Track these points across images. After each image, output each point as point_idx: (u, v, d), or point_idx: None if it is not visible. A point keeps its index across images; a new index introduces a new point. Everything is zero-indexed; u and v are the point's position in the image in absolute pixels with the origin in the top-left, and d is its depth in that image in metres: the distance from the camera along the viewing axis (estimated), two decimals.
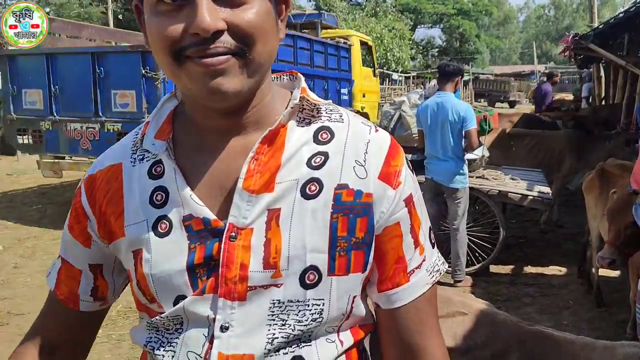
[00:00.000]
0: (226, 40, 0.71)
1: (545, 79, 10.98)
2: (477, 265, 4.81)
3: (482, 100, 31.02)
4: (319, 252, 0.78)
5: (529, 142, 6.27)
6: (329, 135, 0.83)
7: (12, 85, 6.79)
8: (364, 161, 0.82)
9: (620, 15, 6.37)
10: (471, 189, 4.57)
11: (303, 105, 0.84)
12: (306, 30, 9.92)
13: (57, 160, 6.80)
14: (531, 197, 4.71)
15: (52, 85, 6.49)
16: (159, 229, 0.80)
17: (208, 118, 0.81)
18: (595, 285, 4.16)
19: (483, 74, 36.20)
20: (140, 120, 5.52)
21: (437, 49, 48.13)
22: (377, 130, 0.86)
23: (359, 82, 10.69)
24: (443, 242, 4.57)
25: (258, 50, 0.74)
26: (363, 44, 11.63)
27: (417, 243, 0.86)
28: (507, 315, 2.12)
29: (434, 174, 4.45)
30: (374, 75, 12.44)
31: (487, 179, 4.97)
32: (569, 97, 18.46)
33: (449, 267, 3.44)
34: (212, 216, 0.78)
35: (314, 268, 0.78)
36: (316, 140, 0.83)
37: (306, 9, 12.34)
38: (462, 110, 4.28)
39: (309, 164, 0.80)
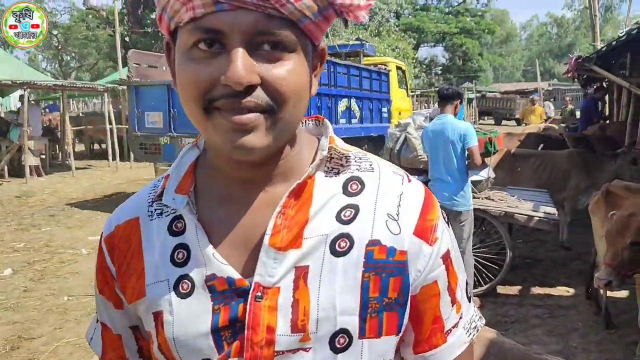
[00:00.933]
0: (258, 96, 0.68)
1: (592, 91, 10.66)
2: (485, 287, 4.82)
3: (487, 118, 31.12)
4: (349, 314, 0.74)
5: (534, 162, 6.29)
6: (359, 186, 0.79)
7: (137, 109, 8.46)
8: (397, 215, 0.77)
9: (622, 36, 6.43)
10: (477, 210, 4.60)
11: (331, 154, 0.80)
12: (350, 58, 11.30)
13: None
14: (537, 218, 4.72)
15: (171, 109, 8.12)
16: (181, 289, 0.76)
17: (234, 169, 0.77)
18: (604, 307, 4.17)
19: (490, 91, 36.35)
20: None
21: (440, 67, 48.41)
22: (410, 180, 0.82)
23: (395, 102, 12.18)
24: None
25: (289, 109, 0.70)
26: (398, 68, 13.19)
27: (454, 301, 0.82)
28: (514, 343, 2.13)
29: (438, 197, 4.46)
30: (407, 95, 14.06)
31: (493, 200, 5.00)
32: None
33: None
34: (236, 275, 0.74)
35: (344, 331, 0.74)
36: (346, 191, 0.78)
37: (349, 40, 13.48)
38: (462, 129, 4.32)
39: (338, 217, 0.76)
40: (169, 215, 0.81)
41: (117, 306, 0.86)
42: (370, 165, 0.82)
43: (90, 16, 35.35)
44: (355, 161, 0.82)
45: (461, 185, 4.36)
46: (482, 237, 4.98)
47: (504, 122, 29.39)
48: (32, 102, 17.35)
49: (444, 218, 0.82)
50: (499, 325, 4.24)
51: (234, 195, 0.79)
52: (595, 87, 10.50)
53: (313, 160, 0.79)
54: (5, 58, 15.65)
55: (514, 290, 4.99)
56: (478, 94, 31.99)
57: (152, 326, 0.79)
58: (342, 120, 9.27)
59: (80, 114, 22.43)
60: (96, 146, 18.51)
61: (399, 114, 12.36)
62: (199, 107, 0.69)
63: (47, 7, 42.28)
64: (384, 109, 11.37)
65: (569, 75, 7.06)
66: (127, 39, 23.38)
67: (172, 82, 0.77)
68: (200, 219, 0.78)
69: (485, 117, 30.62)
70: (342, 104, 9.17)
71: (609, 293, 4.16)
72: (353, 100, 9.58)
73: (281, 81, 0.68)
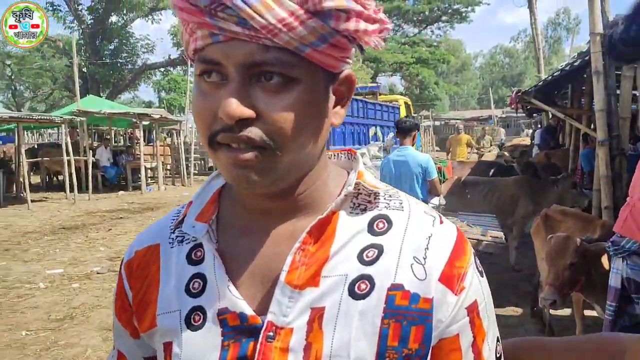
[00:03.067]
0: (252, 131, 0.64)
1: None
2: None
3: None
4: None
5: (483, 188, 6.60)
6: (386, 225, 0.74)
7: None
8: (424, 259, 0.72)
9: (556, 73, 6.90)
10: None
11: (359, 189, 0.76)
12: (368, 96, 14.79)
13: None
14: (486, 242, 5.00)
15: None
16: (192, 321, 0.74)
17: (251, 200, 0.75)
18: (548, 324, 4.43)
19: (454, 119, 37.45)
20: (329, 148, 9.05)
21: (399, 94, 49.45)
22: (442, 222, 0.76)
23: None
24: None
25: (289, 147, 0.66)
26: (405, 103, 16.91)
27: (479, 359, 0.75)
28: None
29: None
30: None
31: None
32: (526, 141, 19.27)
33: None
34: (249, 312, 0.71)
35: None
36: (371, 230, 0.74)
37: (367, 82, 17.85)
38: (423, 162, 4.64)
39: (360, 257, 0.72)
40: (189, 242, 0.79)
41: (134, 335, 0.84)
42: (401, 203, 0.77)
43: (45, 46, 34.89)
44: (385, 198, 0.77)
45: None
46: None
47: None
48: None
49: (478, 267, 0.76)
50: None
51: (255, 227, 0.76)
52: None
53: (339, 195, 0.74)
54: None
55: None
56: (442, 122, 32.82)
57: (162, 357, 0.77)
58: (373, 142, 12.18)
59: (36, 146, 22.05)
60: (53, 178, 18.18)
61: None
62: (205, 139, 0.68)
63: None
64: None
65: (512, 107, 7.55)
66: (84, 69, 23.18)
67: None
68: (220, 249, 0.76)
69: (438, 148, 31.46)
70: (372, 131, 12.34)
71: (552, 311, 4.42)
72: (378, 128, 12.79)
73: (279, 115, 0.65)
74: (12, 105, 42.80)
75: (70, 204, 13.38)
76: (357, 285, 0.70)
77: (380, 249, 0.72)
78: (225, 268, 0.74)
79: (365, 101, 12.45)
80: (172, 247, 0.80)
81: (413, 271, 0.71)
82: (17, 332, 4.97)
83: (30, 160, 16.42)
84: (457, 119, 37.48)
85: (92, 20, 29.88)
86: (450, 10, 47.10)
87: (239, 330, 0.71)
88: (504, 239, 5.20)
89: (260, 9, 0.60)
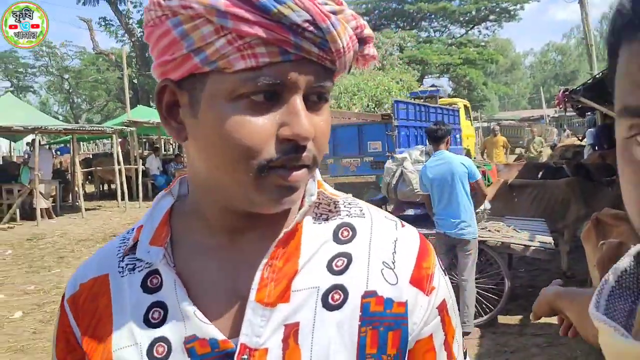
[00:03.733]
0: (310, 150, 0.64)
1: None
2: (485, 317, 4.86)
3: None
4: None
5: (531, 192, 6.39)
6: (350, 233, 0.73)
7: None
8: (393, 263, 0.71)
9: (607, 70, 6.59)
10: None
11: (320, 199, 0.74)
12: (428, 100, 16.18)
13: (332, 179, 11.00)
14: (533, 248, 4.81)
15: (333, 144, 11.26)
16: (155, 354, 0.68)
17: (225, 218, 0.71)
18: None
19: (507, 119, 36.71)
20: (383, 155, 9.95)
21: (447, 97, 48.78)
22: (403, 226, 0.77)
23: (464, 130, 16.55)
24: None
25: (320, 160, 0.68)
26: (464, 106, 18.33)
27: (450, 356, 0.75)
28: None
29: (447, 228, 4.52)
30: (472, 124, 19.86)
31: (489, 230, 5.09)
32: (576, 142, 18.57)
33: None
34: (220, 336, 0.66)
35: None
36: (336, 239, 0.73)
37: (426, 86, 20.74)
38: (465, 163, 4.51)
39: (329, 267, 0.70)
40: (142, 270, 0.73)
41: None
42: (361, 210, 0.77)
43: (100, 59, 36.24)
44: (345, 206, 0.76)
45: (467, 215, 4.48)
46: (481, 267, 5.05)
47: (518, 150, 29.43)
48: (45, 145, 17.76)
49: (441, 266, 0.77)
50: (498, 355, 4.28)
51: (218, 246, 0.72)
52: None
53: (301, 207, 0.72)
54: (17, 105, 16.11)
55: (514, 319, 5.03)
56: (494, 122, 32.16)
57: None
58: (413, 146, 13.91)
59: (91, 155, 22.87)
60: (106, 187, 18.80)
61: (467, 138, 17.54)
62: (251, 166, 0.62)
63: (58, 52, 43.47)
64: (457, 136, 15.18)
65: (560, 107, 7.23)
66: (135, 81, 23.92)
67: (170, 132, 0.69)
68: (179, 272, 0.70)
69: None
70: None
71: None
72: None
73: (324, 132, 0.67)
74: (70, 118, 44.70)
75: (122, 211, 13.79)
76: (330, 296, 0.68)
77: (348, 257, 0.71)
78: (188, 292, 0.69)
79: (427, 105, 13.38)
80: (122, 277, 0.74)
81: (384, 276, 0.70)
82: None
83: (85, 170, 17.04)
84: (511, 120, 36.52)
85: (142, 33, 30.83)
86: (498, 9, 46.14)
87: (210, 357, 0.66)
88: (553, 244, 4.98)
89: (340, 33, 0.62)
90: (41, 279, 7.36)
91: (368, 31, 0.67)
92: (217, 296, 0.70)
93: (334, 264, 0.70)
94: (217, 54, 0.60)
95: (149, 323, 0.70)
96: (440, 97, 17.20)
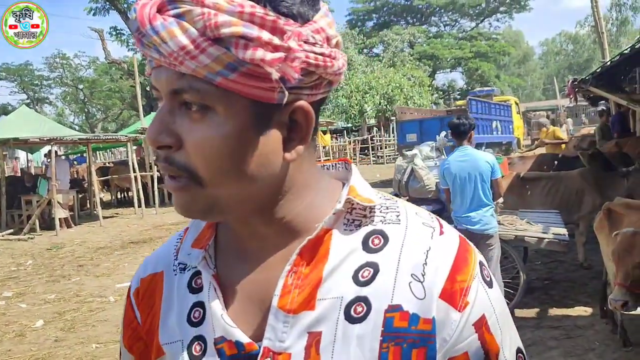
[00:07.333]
0: (172, 159, 0.64)
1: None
2: None
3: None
4: None
5: (545, 184, 6.32)
6: (382, 241, 0.70)
7: (401, 132, 15.77)
8: (423, 275, 0.67)
9: (616, 58, 6.50)
10: None
11: (352, 204, 0.71)
12: (485, 97, 19.67)
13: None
14: (547, 240, 4.77)
15: (420, 132, 14.16)
16: (194, 352, 0.72)
17: (235, 225, 0.74)
18: (620, 325, 4.17)
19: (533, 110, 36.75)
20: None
21: (458, 92, 48.57)
22: (442, 233, 0.72)
23: (515, 122, 20.65)
24: None
25: (213, 180, 0.64)
26: (515, 102, 22.30)
27: None
28: None
29: (468, 224, 4.50)
30: (520, 118, 24.08)
31: (502, 224, 5.07)
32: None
33: None
34: (245, 339, 0.68)
35: None
36: (366, 247, 0.69)
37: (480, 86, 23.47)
38: (490, 160, 4.51)
39: (355, 278, 0.68)
40: (190, 270, 0.77)
41: None
42: (398, 216, 0.73)
43: (113, 68, 36.58)
44: (380, 212, 0.73)
45: (488, 210, 4.49)
46: None
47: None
48: (62, 156, 17.99)
49: (485, 278, 0.70)
50: None
51: (249, 251, 0.73)
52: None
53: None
54: (33, 117, 16.39)
55: (531, 312, 5.01)
56: (542, 117, 31.89)
57: None
58: (495, 132, 16.77)
59: (107, 164, 23.10)
60: (122, 194, 19.00)
61: (517, 129, 21.67)
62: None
63: (72, 62, 44.04)
64: (510, 126, 19.42)
65: (571, 97, 7.14)
66: (148, 88, 24.10)
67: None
68: (219, 275, 0.73)
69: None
70: (494, 124, 16.60)
71: None
72: (498, 122, 16.99)
73: (196, 145, 0.63)
74: (86, 127, 45.27)
75: (139, 218, 13.92)
76: (353, 308, 0.66)
77: (375, 268, 0.68)
78: (223, 294, 0.72)
79: (486, 102, 16.91)
80: (175, 275, 0.78)
81: (411, 290, 0.66)
82: (88, 345, 5.21)
83: (101, 178, 17.22)
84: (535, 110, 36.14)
85: None
86: (507, 0, 45.73)
87: (236, 358, 0.68)
88: (567, 235, 4.94)
89: (164, 36, 0.59)
90: (62, 288, 7.47)
91: (227, 29, 0.58)
92: (247, 300, 0.71)
93: (360, 274, 0.68)
94: (149, 69, 0.66)
95: (190, 322, 0.74)
96: (495, 96, 22.40)
